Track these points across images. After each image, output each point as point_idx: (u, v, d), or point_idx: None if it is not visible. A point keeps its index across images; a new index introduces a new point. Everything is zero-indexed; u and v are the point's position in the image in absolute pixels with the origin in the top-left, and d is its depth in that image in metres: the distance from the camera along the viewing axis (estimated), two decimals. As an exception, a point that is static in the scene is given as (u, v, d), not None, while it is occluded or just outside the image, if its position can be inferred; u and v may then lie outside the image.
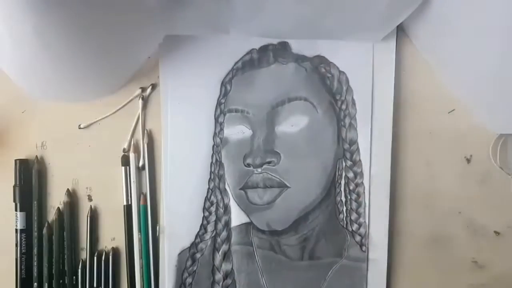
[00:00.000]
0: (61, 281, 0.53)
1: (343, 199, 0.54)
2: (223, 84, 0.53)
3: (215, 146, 0.54)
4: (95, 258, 0.53)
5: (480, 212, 0.55)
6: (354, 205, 0.54)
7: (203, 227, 0.54)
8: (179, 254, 0.53)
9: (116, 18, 0.43)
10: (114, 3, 0.41)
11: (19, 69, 0.47)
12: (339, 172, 0.54)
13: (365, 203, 0.53)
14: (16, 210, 0.52)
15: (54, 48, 0.42)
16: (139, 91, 0.54)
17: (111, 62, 0.49)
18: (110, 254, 0.53)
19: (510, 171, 0.55)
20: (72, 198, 0.54)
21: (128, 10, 0.43)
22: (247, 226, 0.54)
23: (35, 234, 0.53)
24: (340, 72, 0.53)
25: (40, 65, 0.45)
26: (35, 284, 0.52)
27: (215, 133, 0.54)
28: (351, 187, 0.54)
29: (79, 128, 0.54)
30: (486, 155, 0.55)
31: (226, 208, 0.54)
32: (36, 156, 0.53)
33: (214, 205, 0.54)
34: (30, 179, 0.53)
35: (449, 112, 0.55)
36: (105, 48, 0.45)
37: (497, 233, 0.55)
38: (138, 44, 0.50)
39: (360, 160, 0.53)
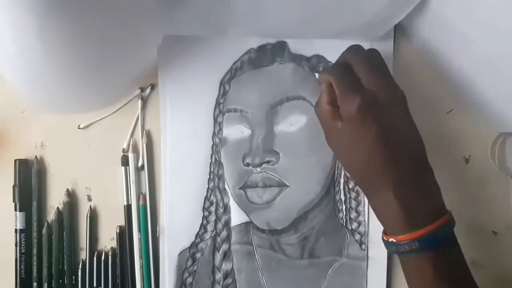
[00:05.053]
0: (60, 281, 0.53)
1: (343, 197, 0.54)
2: (221, 84, 0.54)
3: (214, 146, 0.54)
4: (94, 258, 0.53)
5: (479, 212, 0.55)
6: (353, 203, 0.54)
7: (203, 226, 0.54)
8: (179, 254, 0.53)
9: (116, 19, 0.43)
10: (115, 4, 0.41)
11: (22, 78, 0.47)
12: (338, 171, 0.54)
13: (364, 201, 0.54)
14: (15, 210, 0.52)
15: (58, 55, 0.42)
16: (138, 91, 0.54)
17: (112, 66, 0.49)
18: (110, 254, 0.53)
19: (509, 171, 0.55)
20: (72, 198, 0.53)
21: (128, 11, 0.43)
22: (247, 226, 0.54)
23: (34, 234, 0.52)
24: (339, 71, 0.53)
25: (43, 73, 0.44)
26: (35, 284, 0.52)
27: (214, 133, 0.54)
28: (350, 186, 0.54)
29: (79, 128, 0.54)
30: (485, 155, 0.55)
31: (226, 208, 0.54)
32: (36, 156, 0.53)
33: (214, 205, 0.54)
34: (30, 179, 0.53)
35: (447, 112, 0.55)
36: (106, 51, 0.45)
37: (495, 233, 0.55)
38: (137, 45, 0.50)
39: (359, 158, 0.53)
